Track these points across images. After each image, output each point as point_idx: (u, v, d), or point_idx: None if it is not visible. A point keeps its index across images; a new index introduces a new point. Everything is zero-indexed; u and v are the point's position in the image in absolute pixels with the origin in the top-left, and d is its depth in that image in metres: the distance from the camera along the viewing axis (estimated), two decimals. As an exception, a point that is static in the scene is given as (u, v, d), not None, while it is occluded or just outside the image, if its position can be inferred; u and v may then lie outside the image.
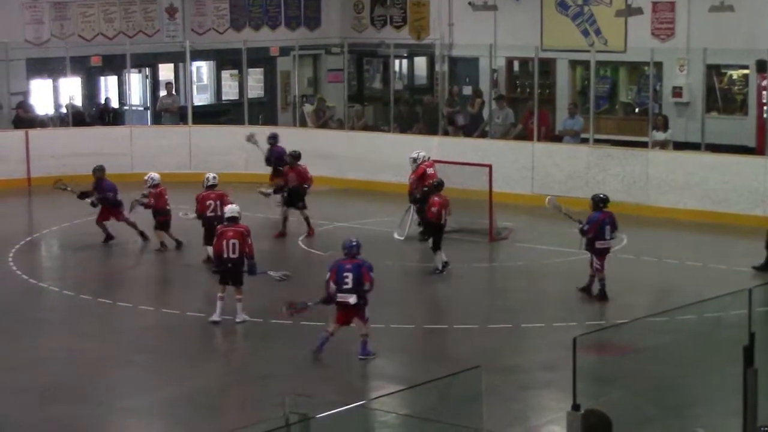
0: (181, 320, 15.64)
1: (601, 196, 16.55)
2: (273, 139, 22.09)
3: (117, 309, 16.21)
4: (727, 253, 18.68)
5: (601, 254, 16.16)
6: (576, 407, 8.03)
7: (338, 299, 13.71)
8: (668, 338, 12.76)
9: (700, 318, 13.48)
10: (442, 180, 18.31)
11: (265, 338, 14.88)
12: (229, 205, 16.16)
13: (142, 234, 19.56)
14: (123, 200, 19.44)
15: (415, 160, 19.70)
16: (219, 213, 17.29)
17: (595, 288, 16.22)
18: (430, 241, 17.72)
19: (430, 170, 19.56)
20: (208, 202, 18.08)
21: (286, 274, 15.71)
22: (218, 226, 15.64)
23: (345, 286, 13.65)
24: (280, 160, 21.40)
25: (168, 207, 19.09)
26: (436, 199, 17.62)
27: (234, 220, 15.41)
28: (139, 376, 13.84)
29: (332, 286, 13.70)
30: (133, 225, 19.52)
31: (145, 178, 19.33)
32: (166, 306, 16.26)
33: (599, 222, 16.10)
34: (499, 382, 12.61)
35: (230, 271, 15.16)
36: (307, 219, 20.14)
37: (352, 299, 13.63)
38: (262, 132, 22.66)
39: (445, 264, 17.61)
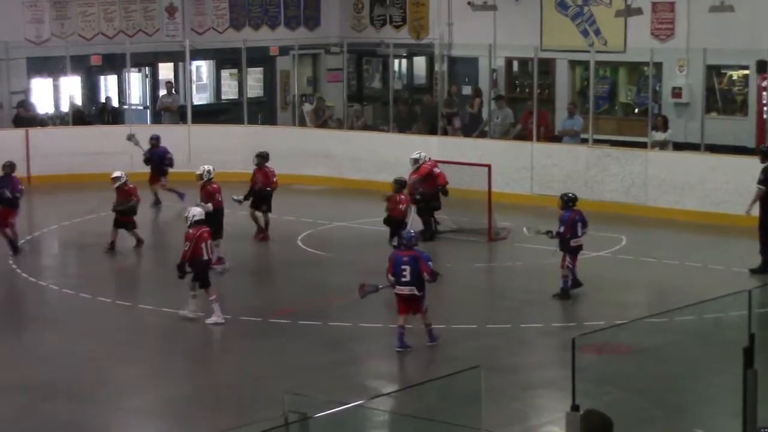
0: (179, 319, 15.64)
1: (570, 195, 16.68)
2: (155, 140, 22.20)
3: (116, 308, 16.21)
4: (726, 254, 18.68)
5: (575, 252, 16.28)
6: (575, 407, 8.03)
7: (397, 292, 13.99)
8: (668, 339, 12.76)
9: (700, 319, 13.48)
10: (405, 180, 18.27)
11: (264, 337, 14.88)
12: (196, 208, 15.98)
13: (14, 249, 18.81)
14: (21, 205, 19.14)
15: (416, 160, 19.72)
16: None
17: (566, 285, 16.24)
18: (395, 239, 17.79)
19: (436, 170, 19.61)
20: (220, 194, 18.10)
21: (225, 268, 16.07)
22: (190, 231, 15.38)
23: (403, 279, 13.95)
24: (161, 161, 21.69)
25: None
26: (402, 197, 17.82)
27: (202, 222, 15.51)
28: (139, 375, 13.84)
29: (391, 278, 14.03)
30: (10, 239, 18.76)
31: (117, 175, 19.13)
32: (166, 305, 16.24)
33: (571, 221, 16.22)
34: (498, 382, 12.61)
35: (207, 273, 15.28)
36: (267, 224, 19.74)
37: (414, 291, 13.95)
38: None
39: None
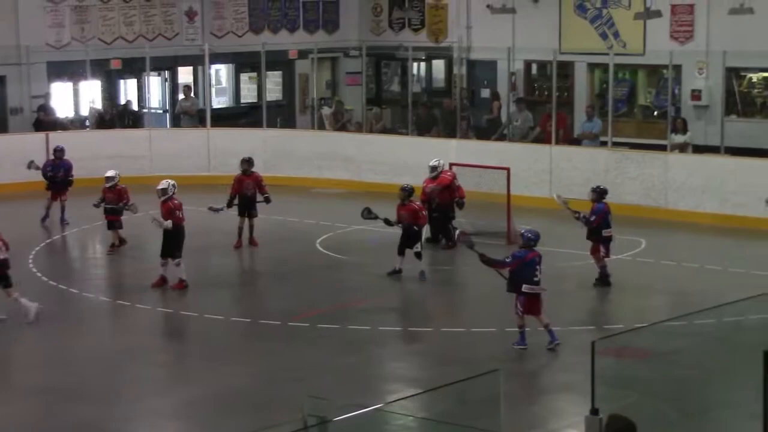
0: (200, 322, 15.70)
1: (602, 187, 17.34)
2: (60, 152, 21.84)
3: (136, 311, 16.27)
4: (746, 258, 18.62)
5: (608, 243, 16.84)
6: (595, 411, 8.04)
7: (528, 290, 14.03)
8: (687, 342, 12.73)
9: (720, 322, 13.44)
10: (413, 187, 18.15)
11: (284, 340, 14.92)
12: None
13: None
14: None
15: (435, 167, 19.66)
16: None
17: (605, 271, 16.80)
18: (420, 245, 17.67)
19: (456, 182, 19.57)
20: (181, 210, 17.32)
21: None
22: None
23: (536, 279, 14.07)
24: (68, 173, 21.47)
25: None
26: (417, 204, 17.77)
27: None
28: (159, 377, 13.90)
29: (507, 273, 14.15)
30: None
31: (111, 175, 19.10)
32: (185, 308, 16.31)
33: (604, 212, 16.85)
34: (517, 385, 12.60)
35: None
36: (252, 228, 19.44)
37: (542, 290, 14.18)
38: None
39: (398, 270, 17.64)
